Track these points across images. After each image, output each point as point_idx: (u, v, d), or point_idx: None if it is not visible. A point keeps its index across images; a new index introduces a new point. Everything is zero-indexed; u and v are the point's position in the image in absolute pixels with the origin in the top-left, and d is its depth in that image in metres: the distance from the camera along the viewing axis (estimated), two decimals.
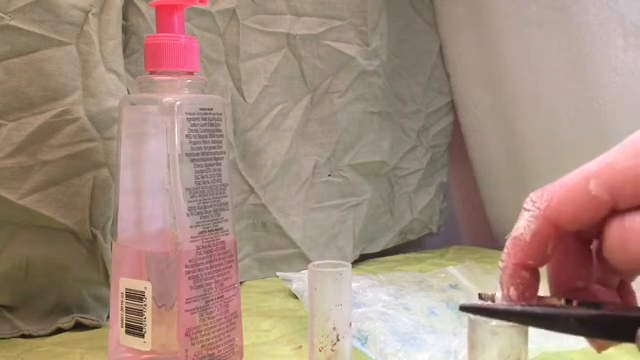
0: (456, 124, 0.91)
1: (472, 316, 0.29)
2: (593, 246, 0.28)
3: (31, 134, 0.52)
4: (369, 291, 0.59)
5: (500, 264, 0.28)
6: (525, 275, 0.27)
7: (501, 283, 0.28)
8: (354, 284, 0.59)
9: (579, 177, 0.25)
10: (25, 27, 0.51)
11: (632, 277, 0.29)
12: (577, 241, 0.28)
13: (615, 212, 0.25)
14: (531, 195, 0.27)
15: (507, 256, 0.27)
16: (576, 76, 0.69)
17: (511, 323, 0.28)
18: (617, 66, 0.65)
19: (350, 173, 0.80)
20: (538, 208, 0.26)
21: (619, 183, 0.24)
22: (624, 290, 0.29)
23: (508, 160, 0.83)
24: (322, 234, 0.77)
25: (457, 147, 0.92)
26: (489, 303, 0.28)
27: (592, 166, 0.25)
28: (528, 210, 0.27)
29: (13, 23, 0.51)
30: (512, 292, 0.27)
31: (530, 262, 0.27)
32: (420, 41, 0.87)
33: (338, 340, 0.41)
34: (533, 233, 0.26)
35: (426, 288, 0.62)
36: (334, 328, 0.41)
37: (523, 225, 0.27)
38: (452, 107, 0.91)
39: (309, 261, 0.63)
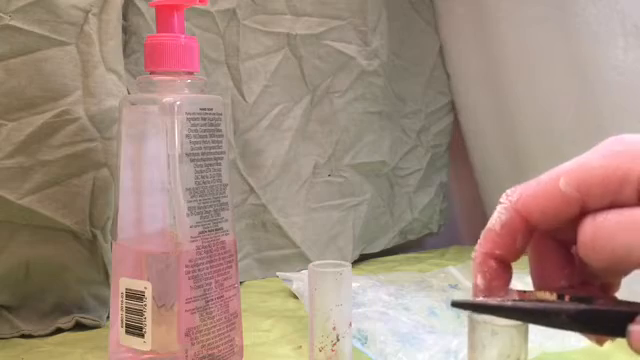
0: (456, 124, 0.91)
1: (472, 316, 0.29)
2: (574, 250, 0.29)
3: (31, 134, 0.52)
4: (369, 291, 0.59)
5: (472, 255, 0.28)
6: (492, 265, 0.28)
7: (473, 274, 0.28)
8: (354, 284, 0.59)
9: (552, 175, 0.26)
10: (25, 27, 0.51)
11: (611, 279, 0.29)
12: (558, 243, 0.29)
13: (586, 212, 0.25)
14: (507, 190, 0.28)
15: (477, 247, 0.28)
16: (576, 76, 0.69)
17: (511, 322, 0.28)
18: (617, 66, 0.65)
19: (350, 173, 0.80)
20: (510, 201, 0.27)
21: (587, 182, 0.25)
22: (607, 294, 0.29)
23: (508, 160, 0.83)
24: (322, 234, 0.77)
25: (457, 147, 0.92)
26: (481, 298, 0.28)
27: (566, 165, 0.26)
28: (502, 203, 0.28)
29: (13, 23, 0.51)
30: (479, 280, 0.28)
31: (498, 252, 0.28)
32: (420, 41, 0.87)
33: (338, 340, 0.41)
34: (502, 224, 0.27)
35: (426, 288, 0.62)
36: (334, 328, 0.41)
37: (495, 217, 0.28)
38: (452, 107, 0.91)
39: (309, 261, 0.63)
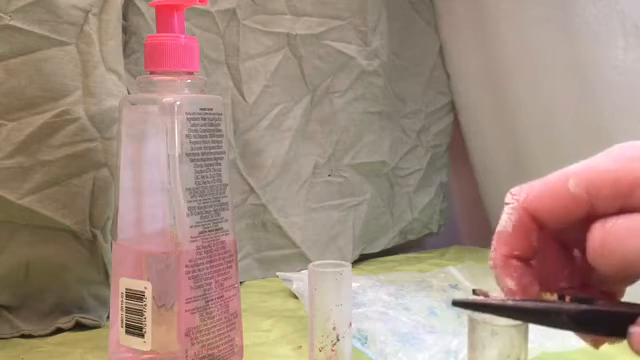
0: (456, 124, 0.91)
1: (472, 316, 0.29)
2: (576, 253, 0.29)
3: (31, 134, 0.52)
4: (369, 291, 0.59)
5: (490, 263, 0.28)
6: (516, 264, 0.27)
7: (497, 279, 0.28)
8: (354, 284, 0.59)
9: (560, 175, 0.26)
10: (25, 27, 0.51)
11: (619, 286, 0.29)
12: (560, 244, 0.29)
13: (594, 215, 0.25)
14: (511, 190, 0.28)
15: (494, 252, 0.28)
16: (576, 76, 0.69)
17: (511, 322, 0.28)
18: (617, 66, 0.65)
19: (350, 173, 0.80)
20: (517, 200, 0.27)
21: (597, 184, 0.25)
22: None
23: (508, 160, 0.83)
24: (322, 234, 0.77)
25: (457, 147, 0.92)
26: (481, 298, 0.28)
27: (575, 167, 0.26)
28: (508, 204, 0.27)
29: (13, 23, 0.51)
30: (510, 283, 0.27)
31: (516, 253, 0.27)
32: (420, 41, 0.87)
33: (338, 340, 0.41)
34: (514, 224, 0.27)
35: (426, 288, 0.62)
36: (334, 328, 0.41)
37: (504, 219, 0.27)
38: (452, 107, 0.91)
39: (309, 261, 0.63)
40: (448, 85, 0.90)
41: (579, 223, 0.26)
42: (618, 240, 0.24)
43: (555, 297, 0.27)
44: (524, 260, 0.28)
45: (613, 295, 0.29)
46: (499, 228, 0.27)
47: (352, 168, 0.80)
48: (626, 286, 0.28)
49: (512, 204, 0.27)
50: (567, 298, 0.26)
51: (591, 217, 0.25)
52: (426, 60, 0.88)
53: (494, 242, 0.28)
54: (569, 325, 0.25)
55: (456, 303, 0.28)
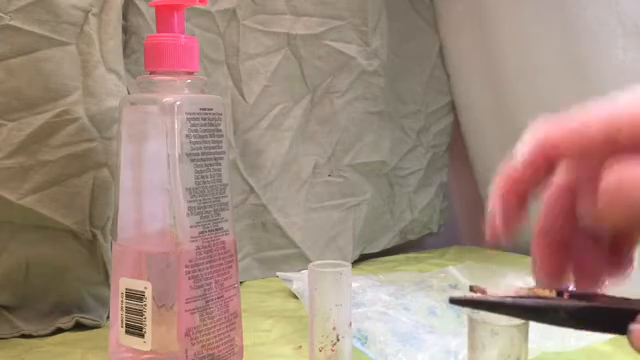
0: (456, 124, 0.91)
1: (472, 316, 0.29)
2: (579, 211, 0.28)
3: (31, 134, 0.52)
4: (369, 291, 0.59)
5: (491, 187, 0.28)
6: (512, 198, 0.27)
7: (490, 200, 0.27)
8: (354, 284, 0.59)
9: (581, 109, 0.26)
10: (25, 27, 0.51)
11: (625, 243, 0.28)
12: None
13: (614, 150, 0.24)
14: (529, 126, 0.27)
15: (499, 176, 0.28)
16: (576, 76, 0.69)
17: (512, 322, 0.28)
18: (617, 66, 0.65)
19: (350, 173, 0.80)
20: (536, 129, 0.27)
21: (618, 117, 0.24)
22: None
23: (508, 160, 0.83)
24: (322, 234, 0.77)
25: (457, 147, 0.92)
26: (479, 295, 0.28)
27: (597, 103, 0.26)
28: (526, 133, 0.27)
29: (13, 23, 0.51)
30: (498, 210, 0.27)
31: (523, 182, 0.27)
32: (420, 41, 0.87)
33: (338, 340, 0.41)
34: (530, 150, 0.27)
35: (426, 288, 0.62)
36: (334, 328, 0.41)
37: (520, 146, 0.27)
38: (452, 107, 0.91)
39: (309, 261, 0.63)
40: (448, 85, 0.90)
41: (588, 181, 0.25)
42: (634, 185, 0.23)
43: (553, 293, 0.26)
44: (523, 195, 0.27)
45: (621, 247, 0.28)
46: (513, 159, 0.27)
47: (352, 168, 0.80)
48: (632, 245, 0.28)
49: (531, 132, 0.27)
50: (565, 295, 0.26)
51: (607, 155, 0.24)
52: (426, 60, 0.88)
53: (503, 168, 0.27)
54: (567, 322, 0.25)
55: (453, 300, 0.27)
